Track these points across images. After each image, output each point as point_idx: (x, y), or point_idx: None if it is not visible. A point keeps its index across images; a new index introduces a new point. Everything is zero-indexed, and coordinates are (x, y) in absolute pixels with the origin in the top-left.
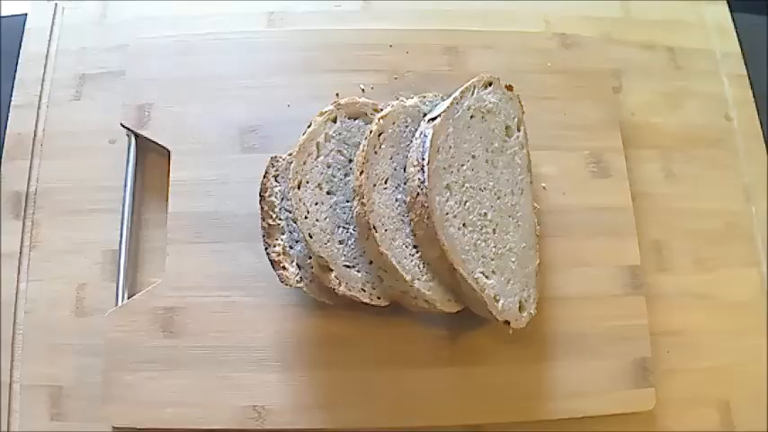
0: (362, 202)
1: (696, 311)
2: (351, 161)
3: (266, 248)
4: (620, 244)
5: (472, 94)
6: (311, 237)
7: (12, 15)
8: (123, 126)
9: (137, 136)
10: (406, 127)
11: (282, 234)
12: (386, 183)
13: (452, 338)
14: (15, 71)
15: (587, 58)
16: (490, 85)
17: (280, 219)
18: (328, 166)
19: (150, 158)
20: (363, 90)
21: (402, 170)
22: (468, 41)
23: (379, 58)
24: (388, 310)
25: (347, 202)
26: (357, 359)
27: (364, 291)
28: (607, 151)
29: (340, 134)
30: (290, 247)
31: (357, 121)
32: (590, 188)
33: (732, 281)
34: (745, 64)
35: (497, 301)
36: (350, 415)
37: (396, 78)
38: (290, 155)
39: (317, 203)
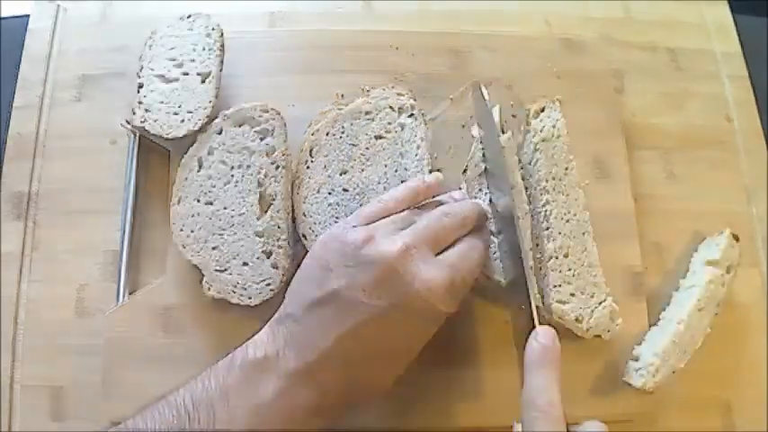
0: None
1: None
2: (232, 167)
3: None
4: (621, 245)
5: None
6: (184, 247)
7: (13, 16)
8: (126, 124)
9: (139, 135)
10: (343, 133)
11: None
12: (318, 191)
13: (452, 339)
14: (17, 72)
15: (589, 60)
16: (542, 111)
17: None
18: (209, 178)
19: (152, 158)
20: (366, 91)
21: (338, 174)
22: (471, 43)
23: (381, 60)
24: None
25: (225, 209)
26: None
27: (234, 292)
28: (609, 153)
29: (224, 143)
30: None
31: (243, 128)
32: (591, 189)
33: (732, 281)
34: (746, 65)
35: (580, 322)
36: (350, 415)
37: (400, 80)
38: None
39: (192, 216)
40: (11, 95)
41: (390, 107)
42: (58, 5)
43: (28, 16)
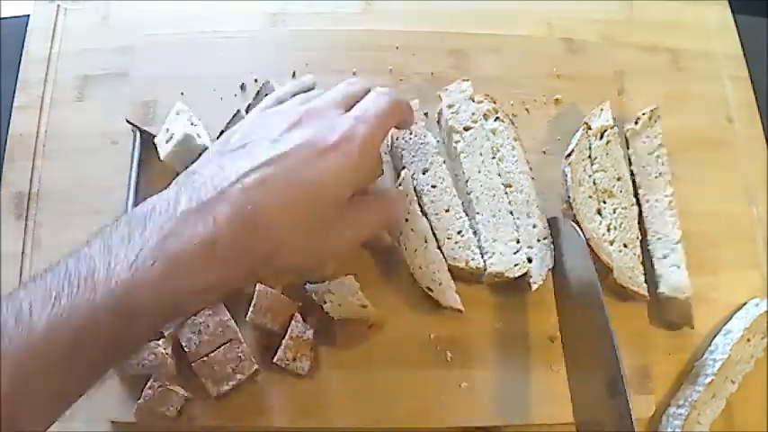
0: None
1: (697, 313)
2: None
3: None
4: None
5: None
6: None
7: (14, 17)
8: (128, 122)
9: (142, 133)
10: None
11: None
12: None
13: (453, 340)
14: (18, 72)
15: (592, 61)
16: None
17: None
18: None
19: (153, 158)
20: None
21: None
22: (472, 44)
23: (382, 59)
24: (389, 309)
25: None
26: (357, 359)
27: None
28: None
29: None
30: None
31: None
32: None
33: (733, 283)
34: (747, 66)
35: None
36: (350, 415)
37: (401, 80)
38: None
39: None
40: (11, 95)
41: (471, 99)
42: (58, 5)
43: (28, 16)
